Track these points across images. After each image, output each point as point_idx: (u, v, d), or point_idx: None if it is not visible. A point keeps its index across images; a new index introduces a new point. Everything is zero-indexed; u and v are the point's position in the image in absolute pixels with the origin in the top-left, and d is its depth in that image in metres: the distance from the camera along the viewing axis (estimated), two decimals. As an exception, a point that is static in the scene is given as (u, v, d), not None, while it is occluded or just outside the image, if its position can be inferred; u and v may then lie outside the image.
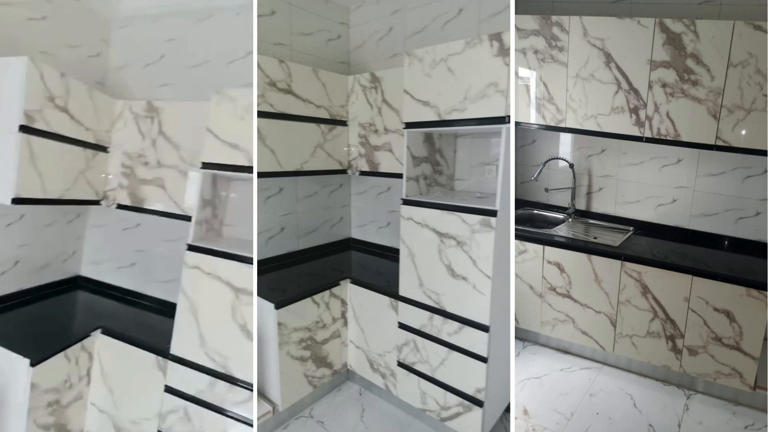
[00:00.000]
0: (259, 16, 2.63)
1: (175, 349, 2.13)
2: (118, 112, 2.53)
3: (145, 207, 2.49)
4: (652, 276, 2.58)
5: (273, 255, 2.92)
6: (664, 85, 2.51)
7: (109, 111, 2.51)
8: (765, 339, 2.35)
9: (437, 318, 2.30)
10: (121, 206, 2.55)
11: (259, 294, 2.41)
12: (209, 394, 2.07)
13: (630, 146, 3.01)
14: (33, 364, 1.95)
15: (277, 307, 2.32)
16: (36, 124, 2.05)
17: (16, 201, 2.02)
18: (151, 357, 2.20)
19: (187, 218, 2.29)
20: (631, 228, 3.05)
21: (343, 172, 2.94)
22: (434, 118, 2.26)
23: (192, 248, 2.12)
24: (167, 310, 2.55)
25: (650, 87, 2.54)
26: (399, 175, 2.49)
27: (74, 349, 2.19)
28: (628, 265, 2.64)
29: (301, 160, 2.65)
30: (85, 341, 2.25)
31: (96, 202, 2.55)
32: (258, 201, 2.80)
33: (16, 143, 1.99)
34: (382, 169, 2.78)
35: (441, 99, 2.22)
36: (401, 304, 2.45)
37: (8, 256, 2.46)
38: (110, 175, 2.55)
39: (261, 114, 2.38)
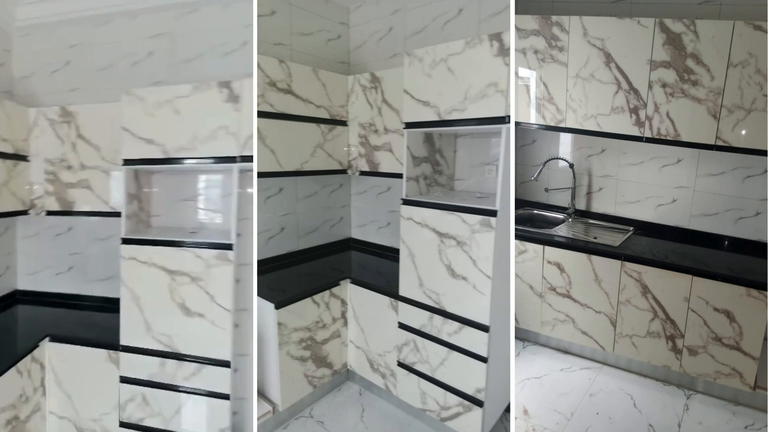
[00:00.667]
0: (259, 16, 2.63)
1: (124, 339, 2.26)
2: (32, 120, 2.54)
3: (75, 210, 2.53)
4: (652, 276, 2.58)
5: (273, 255, 2.92)
6: (664, 85, 2.51)
7: (23, 120, 2.51)
8: (765, 339, 2.35)
9: (437, 318, 2.30)
10: (50, 212, 2.56)
11: (259, 294, 2.41)
12: (161, 375, 2.24)
13: (630, 146, 3.01)
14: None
15: (277, 307, 2.32)
16: None
17: None
18: (102, 353, 2.31)
19: (117, 215, 2.37)
20: (631, 228, 3.05)
21: (343, 172, 2.94)
22: (434, 118, 2.26)
23: (126, 241, 2.25)
24: (111, 306, 2.60)
25: (650, 87, 2.54)
26: (399, 175, 2.49)
27: (25, 362, 2.19)
28: (628, 265, 2.64)
29: (301, 160, 2.65)
30: (35, 352, 2.28)
31: (24, 212, 2.54)
32: (258, 201, 2.80)
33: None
34: (382, 169, 2.78)
35: (441, 99, 2.22)
36: (401, 304, 2.45)
37: None
38: (35, 184, 2.56)
39: (261, 114, 2.38)
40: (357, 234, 3.44)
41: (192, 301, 2.18)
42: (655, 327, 2.62)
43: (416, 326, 2.39)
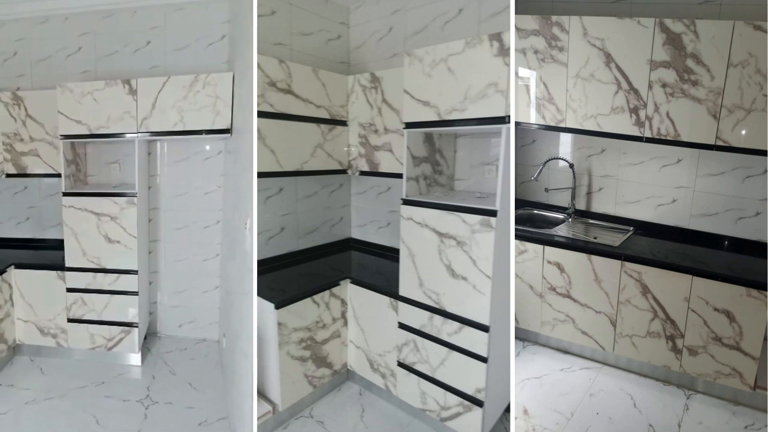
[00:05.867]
0: (259, 16, 2.63)
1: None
2: None
3: (28, 172, 3.25)
4: (652, 276, 2.58)
5: (273, 255, 2.92)
6: (664, 85, 2.51)
7: None
8: (765, 339, 2.35)
9: (437, 318, 2.30)
10: (9, 175, 3.27)
11: (259, 294, 2.41)
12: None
13: (630, 146, 3.01)
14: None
15: (277, 307, 2.32)
16: None
17: None
18: (52, 273, 3.14)
19: (59, 175, 3.10)
20: (631, 228, 3.06)
21: (343, 172, 2.94)
22: (434, 118, 2.26)
23: (66, 194, 3.04)
24: (60, 246, 3.15)
25: (650, 87, 2.54)
26: (399, 175, 2.49)
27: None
28: (628, 265, 2.64)
29: (301, 160, 2.65)
30: (4, 275, 3.02)
31: None
32: (258, 201, 2.80)
33: None
34: (382, 169, 2.78)
35: (441, 99, 2.22)
36: (401, 304, 2.45)
37: None
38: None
39: (261, 114, 2.38)
40: (357, 234, 3.43)
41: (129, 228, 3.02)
42: (655, 327, 2.62)
43: (416, 326, 2.39)
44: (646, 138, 2.61)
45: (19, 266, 3.12)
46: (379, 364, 2.66)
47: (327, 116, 2.76)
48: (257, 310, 2.41)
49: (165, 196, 3.54)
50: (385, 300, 2.55)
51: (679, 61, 2.44)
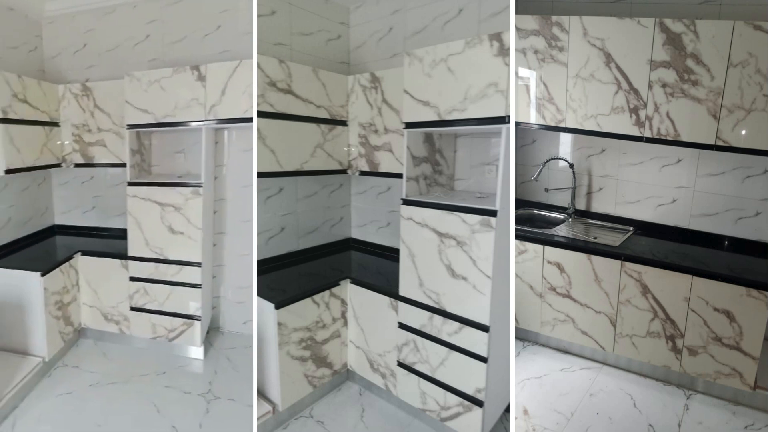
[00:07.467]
0: (259, 16, 2.63)
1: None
2: (61, 94, 3.31)
3: (95, 162, 3.34)
4: (652, 276, 2.58)
5: (273, 255, 2.92)
6: (664, 85, 2.51)
7: (54, 94, 3.28)
8: (765, 339, 2.35)
9: (437, 318, 2.30)
10: (77, 165, 3.38)
11: (259, 294, 2.41)
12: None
13: (630, 146, 3.01)
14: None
15: (277, 307, 2.32)
16: (9, 115, 2.84)
17: (8, 171, 2.84)
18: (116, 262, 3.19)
19: (124, 165, 3.13)
20: (631, 228, 3.06)
21: (343, 172, 2.94)
22: (434, 118, 2.26)
23: (131, 184, 3.05)
24: (124, 234, 3.20)
25: (650, 87, 2.54)
26: (399, 175, 2.49)
27: (64, 267, 3.05)
28: (628, 265, 2.64)
29: (301, 160, 2.65)
30: (71, 261, 3.15)
31: (58, 165, 3.35)
32: (258, 201, 2.80)
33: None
34: (382, 169, 2.78)
35: (441, 99, 2.22)
36: (401, 304, 2.45)
37: (1, 217, 3.23)
38: (66, 142, 3.35)
39: (261, 114, 2.38)
40: (357, 234, 3.43)
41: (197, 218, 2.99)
42: (655, 327, 2.62)
43: (416, 326, 2.39)
44: (646, 138, 2.61)
45: (85, 253, 3.20)
46: (379, 364, 2.66)
47: (327, 116, 2.76)
48: (257, 310, 2.42)
49: (232, 186, 3.40)
50: (385, 300, 2.55)
51: (679, 61, 2.44)
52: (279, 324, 2.34)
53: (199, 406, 2.63)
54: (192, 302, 3.04)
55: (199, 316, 3.05)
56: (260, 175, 2.44)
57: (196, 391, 2.76)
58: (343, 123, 2.88)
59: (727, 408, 2.51)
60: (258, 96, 2.35)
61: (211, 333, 3.47)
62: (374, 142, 2.79)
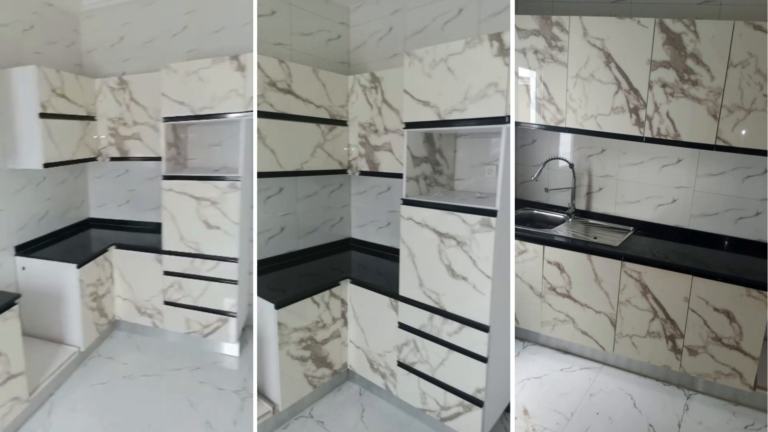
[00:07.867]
0: (259, 16, 2.63)
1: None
2: (98, 88, 3.34)
3: (130, 156, 3.34)
4: (652, 276, 2.58)
5: (273, 255, 2.92)
6: (664, 85, 2.51)
7: (91, 88, 3.31)
8: (765, 339, 2.35)
9: (437, 318, 2.30)
10: (113, 159, 3.39)
11: (259, 294, 2.41)
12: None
13: (630, 146, 3.01)
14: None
15: (277, 307, 2.32)
16: (48, 110, 2.87)
17: (46, 165, 2.86)
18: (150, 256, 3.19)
19: (159, 158, 3.12)
20: (631, 228, 3.05)
21: (343, 172, 2.94)
22: (434, 118, 2.26)
23: (166, 177, 3.01)
24: (158, 228, 3.15)
25: (650, 87, 2.54)
26: (399, 175, 2.49)
27: (99, 260, 3.10)
28: (628, 265, 2.64)
29: (301, 160, 2.65)
30: (105, 254, 3.19)
31: (93, 159, 3.38)
32: (258, 201, 2.80)
33: (38, 126, 2.80)
34: (382, 169, 2.78)
35: (441, 99, 2.22)
36: (401, 304, 2.45)
37: (39, 209, 3.25)
38: (102, 136, 3.38)
39: (261, 114, 2.38)
40: (357, 234, 3.43)
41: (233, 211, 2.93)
42: (655, 327, 2.62)
43: (416, 326, 2.39)
44: (646, 138, 2.61)
45: (119, 247, 3.24)
46: (379, 364, 2.66)
47: (327, 116, 2.76)
48: (257, 310, 2.42)
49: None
50: (385, 300, 2.55)
51: (679, 61, 2.44)
52: (279, 324, 2.34)
53: (234, 403, 2.62)
54: (227, 298, 2.99)
55: (235, 313, 3.00)
56: (260, 175, 2.44)
57: (230, 387, 2.76)
58: (343, 123, 2.88)
59: (727, 408, 2.51)
60: (258, 96, 2.35)
61: (247, 330, 3.36)
62: (374, 142, 2.79)
